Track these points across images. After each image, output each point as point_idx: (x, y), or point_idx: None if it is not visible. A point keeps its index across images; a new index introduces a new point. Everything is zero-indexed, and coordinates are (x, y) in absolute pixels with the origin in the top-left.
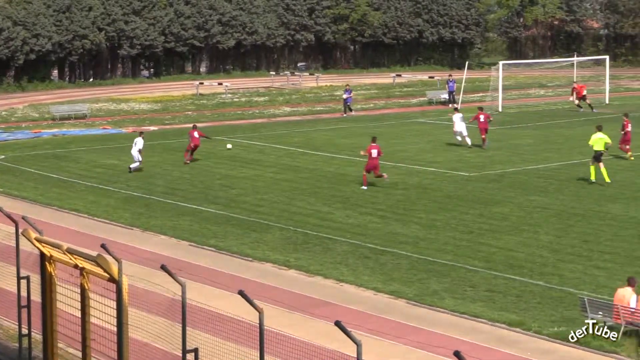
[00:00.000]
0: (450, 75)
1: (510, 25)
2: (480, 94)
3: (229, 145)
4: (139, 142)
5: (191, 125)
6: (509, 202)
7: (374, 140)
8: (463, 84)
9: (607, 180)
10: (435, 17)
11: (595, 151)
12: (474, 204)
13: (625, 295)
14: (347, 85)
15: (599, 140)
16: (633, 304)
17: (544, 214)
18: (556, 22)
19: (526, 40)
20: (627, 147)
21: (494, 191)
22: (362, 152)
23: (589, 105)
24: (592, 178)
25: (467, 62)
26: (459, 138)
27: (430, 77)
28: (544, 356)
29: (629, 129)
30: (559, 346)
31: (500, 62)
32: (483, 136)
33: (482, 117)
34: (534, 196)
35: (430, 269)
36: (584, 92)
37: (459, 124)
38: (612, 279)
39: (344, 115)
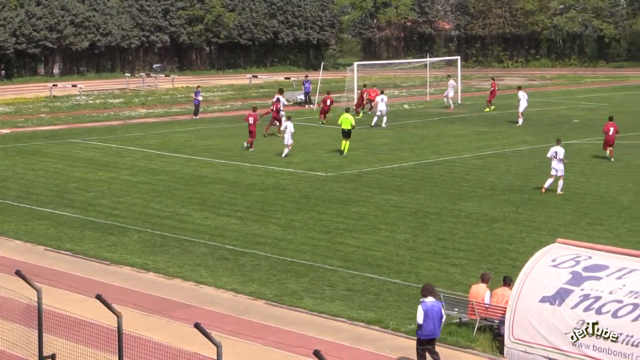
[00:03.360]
0: (306, 76)
1: (364, 26)
2: (336, 95)
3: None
4: (289, 126)
5: None
6: (366, 201)
7: None
8: (319, 85)
9: (345, 152)
10: (290, 19)
11: (343, 129)
12: (332, 203)
13: (480, 292)
14: (199, 87)
15: (345, 120)
16: (487, 300)
17: (400, 212)
18: (409, 24)
19: (380, 42)
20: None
21: (351, 191)
22: None
23: (370, 108)
24: (345, 151)
25: (322, 63)
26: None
27: (286, 78)
28: (401, 353)
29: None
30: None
31: (355, 63)
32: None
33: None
34: (390, 195)
35: (289, 269)
36: (373, 96)
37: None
38: (466, 275)
39: (194, 117)
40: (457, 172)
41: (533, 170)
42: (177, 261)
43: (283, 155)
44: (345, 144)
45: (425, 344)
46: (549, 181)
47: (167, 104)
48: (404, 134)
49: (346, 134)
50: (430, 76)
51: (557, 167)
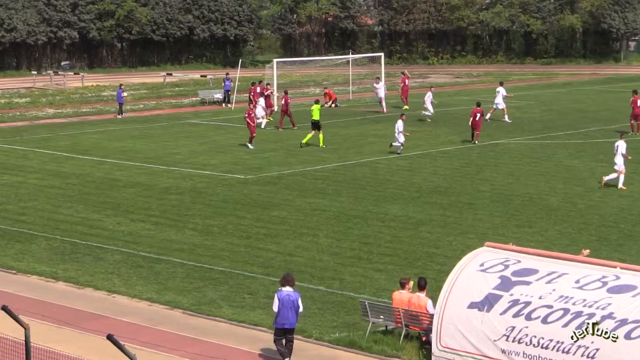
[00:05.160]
0: (227, 74)
1: (284, 22)
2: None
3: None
4: (399, 125)
5: None
6: (287, 205)
7: None
8: (237, 83)
9: (322, 145)
10: (206, 14)
11: (313, 120)
12: (251, 207)
13: (403, 299)
14: (122, 85)
15: (314, 111)
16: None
17: (323, 216)
18: (330, 19)
19: (300, 38)
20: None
21: (272, 194)
22: None
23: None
24: (304, 141)
25: (240, 60)
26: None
27: (202, 76)
28: None
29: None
30: (340, 352)
31: (275, 60)
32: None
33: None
34: (312, 198)
35: (207, 277)
36: (335, 97)
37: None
38: (392, 281)
39: (118, 116)
40: (382, 174)
41: (460, 171)
42: (89, 269)
43: (398, 152)
44: (319, 136)
45: (282, 333)
46: (612, 176)
47: (77, 104)
48: (327, 134)
49: (315, 125)
50: (352, 73)
51: (617, 162)
